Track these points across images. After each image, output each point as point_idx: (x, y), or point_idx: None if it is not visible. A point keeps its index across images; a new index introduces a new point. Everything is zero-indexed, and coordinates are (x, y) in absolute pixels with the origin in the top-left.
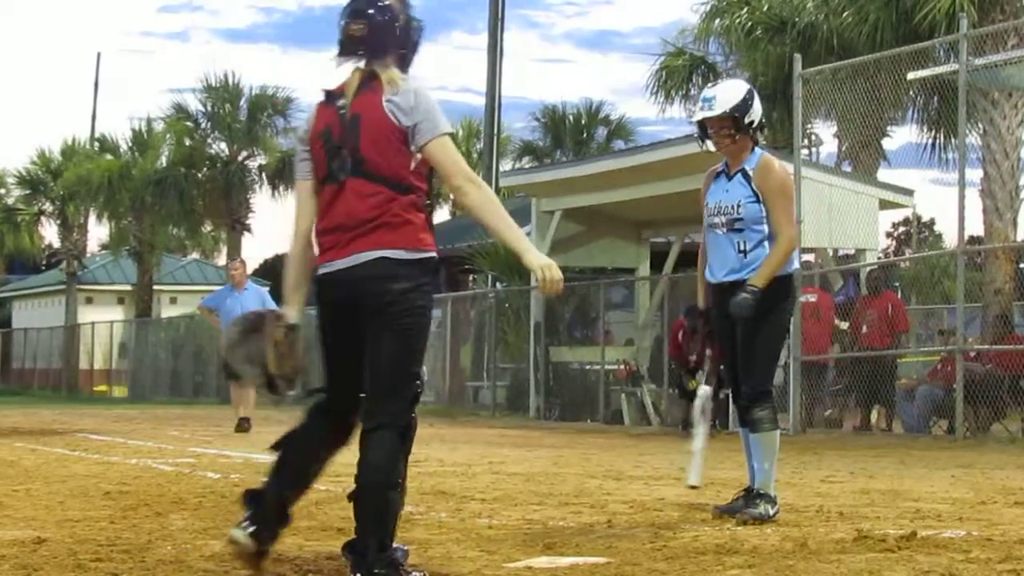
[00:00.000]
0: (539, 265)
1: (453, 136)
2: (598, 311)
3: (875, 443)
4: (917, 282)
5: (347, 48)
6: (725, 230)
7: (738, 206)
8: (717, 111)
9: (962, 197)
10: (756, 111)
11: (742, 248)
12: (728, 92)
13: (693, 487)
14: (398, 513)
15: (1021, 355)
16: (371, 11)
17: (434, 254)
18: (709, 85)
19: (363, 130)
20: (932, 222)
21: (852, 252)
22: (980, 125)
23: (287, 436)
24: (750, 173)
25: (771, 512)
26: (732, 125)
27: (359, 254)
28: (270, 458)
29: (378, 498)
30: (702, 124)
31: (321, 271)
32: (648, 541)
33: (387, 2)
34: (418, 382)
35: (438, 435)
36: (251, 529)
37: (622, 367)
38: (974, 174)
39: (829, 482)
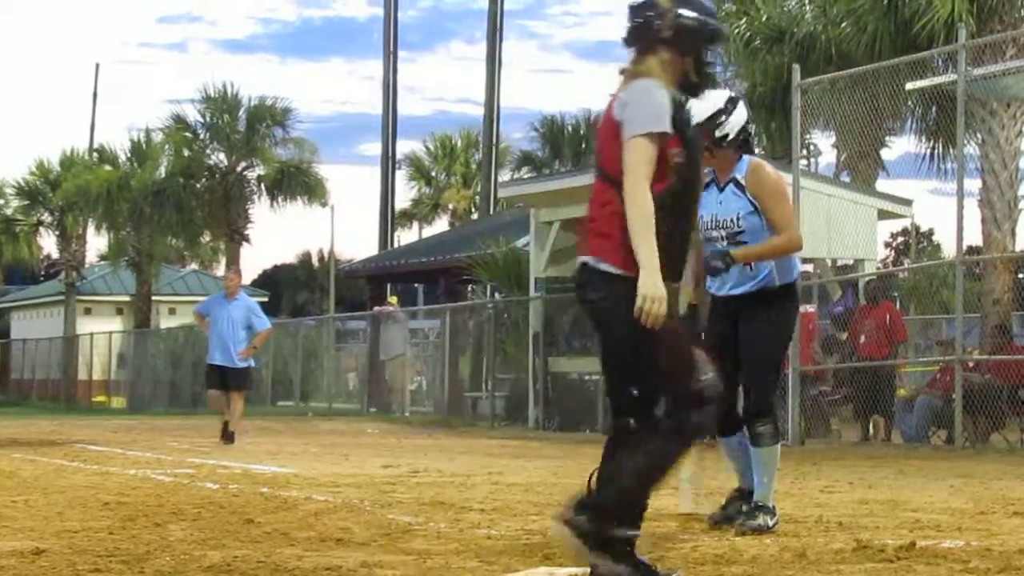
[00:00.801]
0: (644, 294)
1: (660, 136)
2: None
3: (874, 453)
4: (916, 292)
5: (624, 44)
6: (725, 243)
7: (738, 219)
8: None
9: (961, 207)
10: (734, 123)
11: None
12: (701, 105)
13: (688, 513)
14: (634, 515)
15: (1020, 365)
16: (640, 9)
17: (619, 272)
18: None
19: (601, 129)
20: (931, 232)
21: (851, 262)
22: (979, 135)
23: None
24: (742, 182)
25: (770, 523)
26: (706, 138)
27: (580, 258)
28: (280, 469)
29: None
30: None
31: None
32: (647, 551)
33: (657, 2)
34: (635, 389)
35: (437, 445)
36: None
37: None
38: (973, 184)
39: (828, 492)
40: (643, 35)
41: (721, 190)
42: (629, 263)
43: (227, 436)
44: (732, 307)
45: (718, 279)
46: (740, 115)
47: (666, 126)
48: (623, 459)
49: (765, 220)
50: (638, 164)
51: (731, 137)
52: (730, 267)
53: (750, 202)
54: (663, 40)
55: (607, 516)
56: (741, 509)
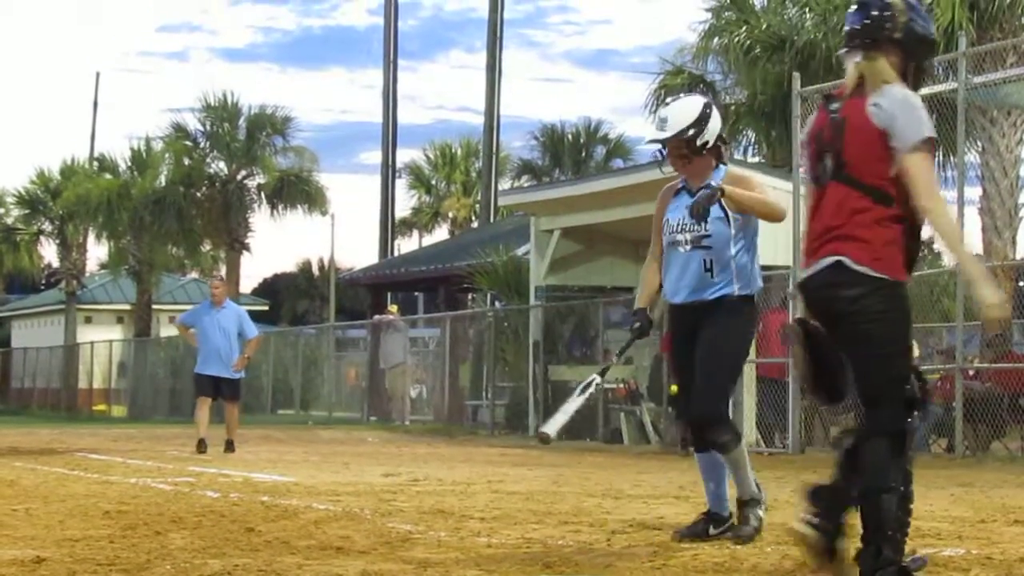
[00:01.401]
0: (988, 303)
1: (934, 142)
2: (597, 330)
3: None
4: (916, 301)
5: (848, 40)
6: (690, 247)
7: (705, 223)
8: (669, 133)
9: (961, 215)
10: (712, 130)
11: (708, 267)
12: (681, 112)
13: (544, 435)
14: (900, 520)
15: (1020, 373)
16: (871, 7)
17: (886, 278)
18: (666, 102)
19: (848, 133)
20: (931, 240)
21: None
22: (979, 143)
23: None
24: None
25: (760, 514)
26: (686, 146)
27: (821, 260)
28: (280, 478)
29: (871, 503)
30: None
31: (800, 275)
32: (647, 560)
33: (890, 1)
34: (908, 387)
35: (437, 454)
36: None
37: (621, 386)
38: (973, 192)
39: None
40: (874, 33)
41: (692, 195)
42: (882, 267)
43: (228, 446)
44: (690, 318)
45: (682, 288)
46: (716, 122)
47: (934, 132)
48: (866, 456)
49: (733, 233)
50: (929, 175)
51: (710, 144)
52: (715, 200)
53: (722, 209)
54: (893, 41)
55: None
56: (708, 530)
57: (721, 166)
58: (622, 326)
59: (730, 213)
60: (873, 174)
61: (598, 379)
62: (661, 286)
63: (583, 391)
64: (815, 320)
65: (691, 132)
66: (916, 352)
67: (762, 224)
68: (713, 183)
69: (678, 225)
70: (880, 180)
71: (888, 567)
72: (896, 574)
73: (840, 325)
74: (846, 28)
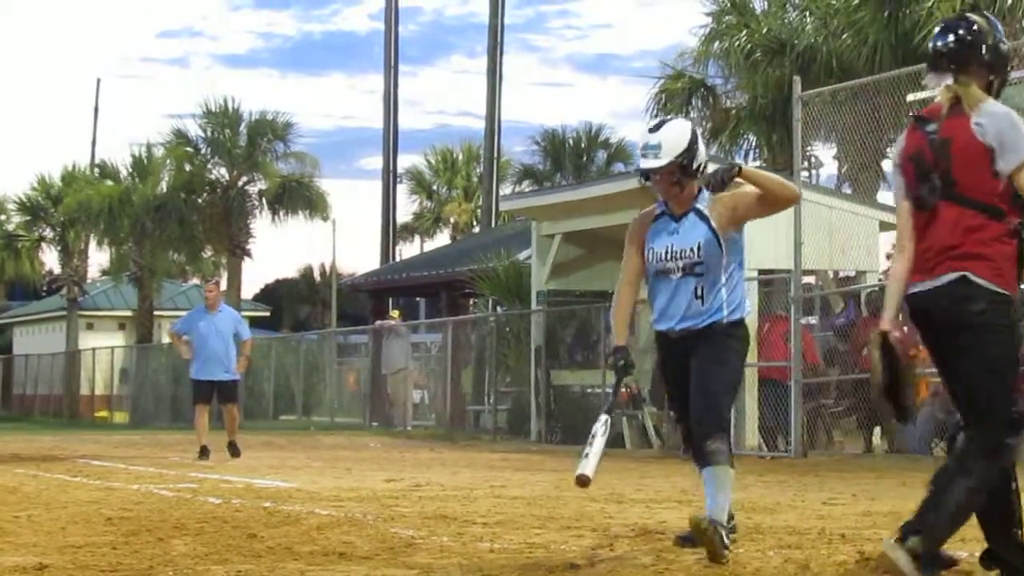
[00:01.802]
0: None
1: None
2: (599, 334)
3: (876, 465)
4: None
5: (935, 64)
6: (680, 274)
7: (698, 248)
8: (664, 160)
9: None
10: (703, 153)
11: (700, 294)
12: (673, 139)
13: (584, 477)
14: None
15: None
16: (959, 28)
17: (1007, 294)
18: (650, 128)
19: (954, 153)
20: None
21: (852, 274)
22: None
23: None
24: (705, 211)
25: (725, 537)
26: (679, 172)
27: (941, 276)
28: (282, 483)
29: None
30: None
31: (910, 290)
32: (650, 565)
33: (976, 21)
34: (1015, 406)
35: (439, 459)
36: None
37: (623, 390)
38: None
39: (831, 504)
40: (964, 55)
41: (678, 220)
42: (1003, 283)
43: (232, 449)
44: (682, 346)
45: (672, 317)
46: (701, 140)
47: None
48: (958, 480)
49: (725, 253)
50: None
51: (702, 168)
52: (733, 174)
53: (711, 231)
54: (984, 63)
55: (940, 539)
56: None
57: (704, 188)
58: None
59: (721, 235)
60: (984, 191)
61: (608, 418)
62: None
63: (604, 431)
64: (927, 333)
65: (684, 158)
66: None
67: (763, 229)
68: (699, 206)
69: (666, 253)
70: (991, 197)
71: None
72: (927, 557)
73: (961, 337)
74: (932, 48)
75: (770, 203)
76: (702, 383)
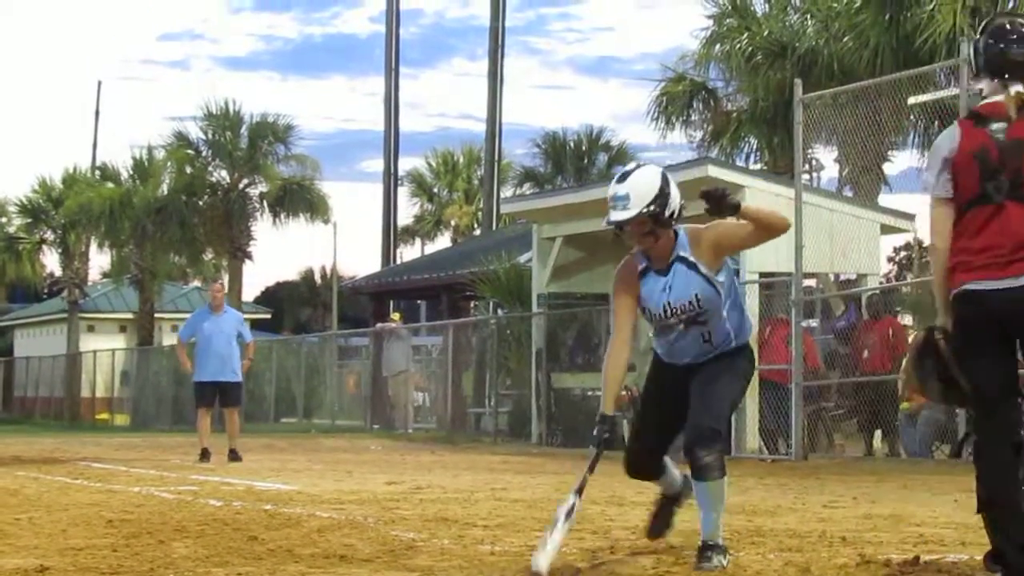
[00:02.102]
0: None
1: None
2: (600, 337)
3: (877, 468)
4: (919, 306)
5: (1012, 69)
6: (684, 327)
7: (696, 301)
8: (633, 211)
9: None
10: (675, 198)
11: (707, 338)
12: (641, 188)
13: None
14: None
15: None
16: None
17: None
18: (617, 178)
19: None
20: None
21: (853, 277)
22: None
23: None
24: (690, 259)
25: (724, 563)
26: (651, 222)
27: (1019, 277)
28: (283, 486)
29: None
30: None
31: (969, 287)
32: (651, 567)
33: None
34: None
35: (440, 462)
36: None
37: (624, 393)
38: None
39: (832, 507)
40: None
41: (665, 274)
42: None
43: (232, 455)
44: (685, 374)
45: (682, 358)
46: (676, 188)
47: None
48: None
49: (721, 294)
50: None
51: (677, 214)
52: (734, 210)
53: (703, 276)
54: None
55: None
56: (672, 513)
57: (679, 231)
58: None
59: (713, 278)
60: None
61: (577, 501)
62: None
63: (568, 517)
64: (988, 330)
65: (654, 208)
66: None
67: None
68: (683, 253)
69: (666, 312)
70: None
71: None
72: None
73: None
74: (1012, 56)
75: (763, 237)
76: (700, 396)
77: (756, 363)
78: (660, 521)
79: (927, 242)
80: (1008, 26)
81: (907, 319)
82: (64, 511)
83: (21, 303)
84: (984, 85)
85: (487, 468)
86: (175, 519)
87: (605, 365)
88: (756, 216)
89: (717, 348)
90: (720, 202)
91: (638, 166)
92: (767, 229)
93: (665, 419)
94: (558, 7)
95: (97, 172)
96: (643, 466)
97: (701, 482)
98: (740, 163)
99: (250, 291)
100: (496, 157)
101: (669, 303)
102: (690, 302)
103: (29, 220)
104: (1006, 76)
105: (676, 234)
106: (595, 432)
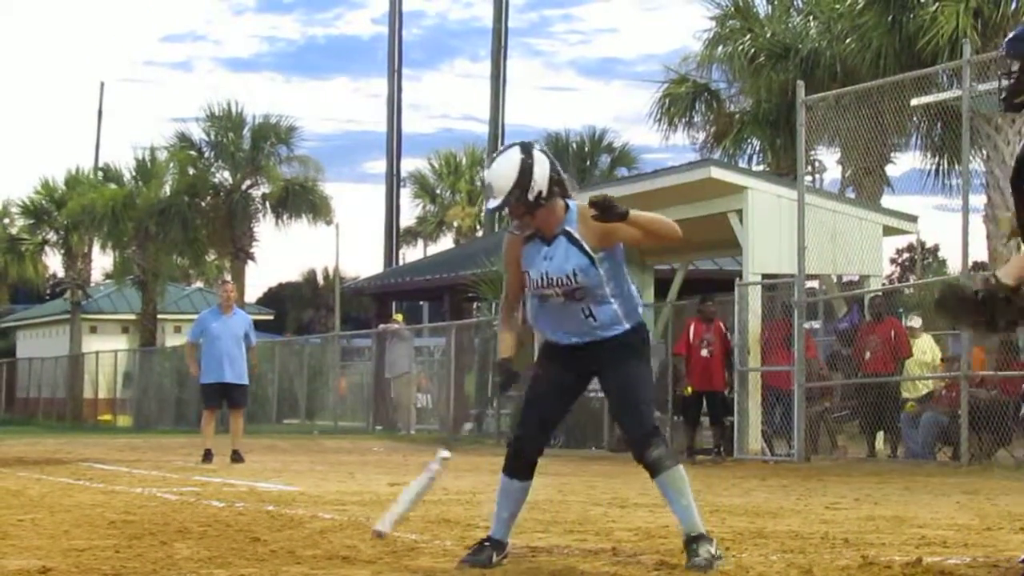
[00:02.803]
0: None
1: None
2: None
3: (879, 469)
4: (921, 308)
5: None
6: (563, 299)
7: (573, 275)
8: (498, 200)
9: (966, 223)
10: (539, 177)
11: (588, 313)
12: (501, 176)
13: (379, 534)
14: None
15: None
16: None
17: None
18: (486, 163)
19: None
20: (936, 248)
21: (856, 278)
22: (984, 151)
23: None
24: (575, 234)
25: (714, 551)
26: (521, 206)
27: None
28: (286, 487)
29: None
30: None
31: None
32: (653, 569)
33: None
34: None
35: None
36: None
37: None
38: (978, 200)
39: (834, 508)
40: None
41: (549, 244)
42: None
43: (235, 456)
44: (574, 356)
45: (565, 335)
46: (542, 166)
47: None
48: None
49: (602, 273)
50: None
51: (545, 192)
52: (621, 218)
53: (586, 253)
54: None
55: None
56: (492, 557)
57: (571, 205)
58: None
59: (593, 254)
60: None
61: (448, 454)
62: (524, 321)
63: (430, 477)
64: None
65: (516, 194)
66: (939, 355)
67: (765, 233)
68: (569, 228)
69: (543, 280)
70: None
71: None
72: None
73: None
74: None
75: (655, 241)
76: (625, 401)
77: (755, 350)
78: (477, 556)
79: (929, 244)
80: None
81: (915, 322)
82: (67, 512)
83: (24, 304)
84: None
85: (489, 470)
86: (177, 520)
87: (500, 322)
88: (644, 225)
89: (603, 328)
90: (606, 212)
91: (505, 148)
92: (655, 236)
93: (547, 413)
94: (561, 9)
95: (100, 173)
96: (526, 455)
97: (658, 476)
98: (743, 164)
99: (253, 292)
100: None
101: (546, 273)
102: (568, 276)
103: (32, 221)
104: None
105: (568, 207)
106: (499, 378)
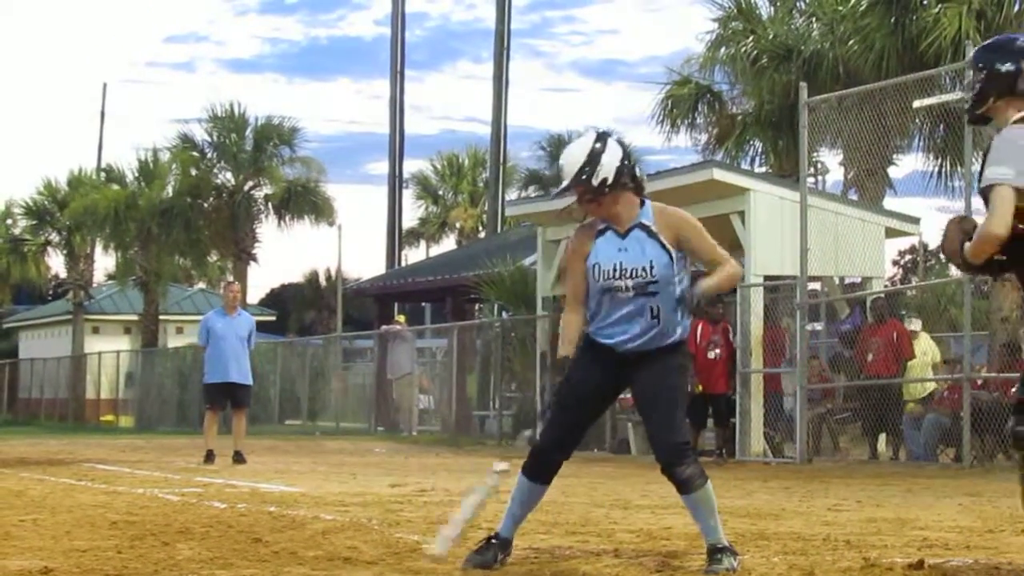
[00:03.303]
0: None
1: None
2: None
3: (881, 471)
4: (924, 310)
5: None
6: (632, 293)
7: (651, 267)
8: (565, 182)
9: None
10: (608, 165)
11: (656, 314)
12: (572, 158)
13: (436, 557)
14: None
15: None
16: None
17: None
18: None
19: None
20: (938, 250)
21: (858, 280)
22: None
23: None
24: (652, 227)
25: (735, 564)
26: (587, 190)
27: None
28: (287, 488)
29: None
30: None
31: None
32: (655, 570)
33: None
34: None
35: (444, 464)
36: None
37: (629, 395)
38: (980, 202)
39: (836, 510)
40: None
41: (623, 236)
42: None
43: (237, 457)
44: (622, 362)
45: (624, 334)
46: (612, 155)
47: None
48: None
49: (677, 270)
50: None
51: (611, 180)
52: (703, 296)
53: (664, 250)
54: None
55: None
56: (496, 557)
57: (646, 201)
58: None
59: (672, 251)
60: None
61: (505, 466)
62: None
63: (487, 490)
64: None
65: (584, 175)
66: (939, 357)
67: (767, 235)
68: (645, 221)
69: (615, 270)
70: None
71: None
72: None
73: None
74: None
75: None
76: (662, 413)
77: (757, 351)
78: (486, 555)
79: (932, 245)
80: None
81: (915, 324)
82: (68, 513)
83: (26, 305)
84: None
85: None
86: (179, 521)
87: (564, 321)
88: (718, 288)
89: (665, 334)
90: (698, 304)
91: (582, 136)
92: (728, 280)
93: (581, 420)
94: (563, 10)
95: (102, 174)
96: (552, 460)
97: (689, 495)
98: (745, 166)
99: (255, 293)
100: (501, 160)
101: (622, 263)
102: (644, 268)
103: (34, 222)
104: None
105: (642, 203)
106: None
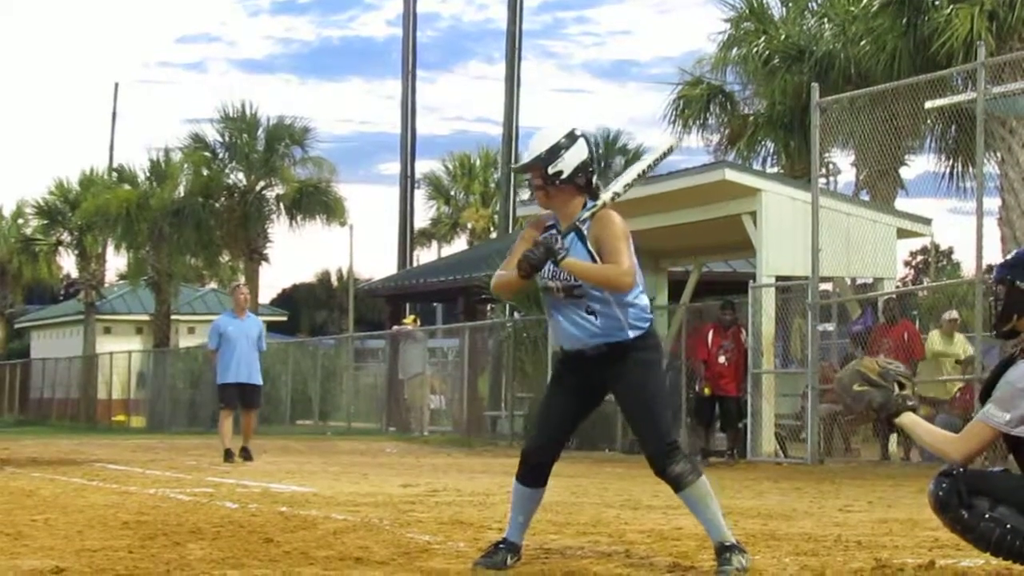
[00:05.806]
0: None
1: None
2: None
3: (893, 472)
4: (935, 311)
5: None
6: (563, 295)
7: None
8: (524, 160)
9: (980, 226)
10: (569, 160)
11: (591, 310)
12: (539, 138)
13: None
14: None
15: None
16: None
17: None
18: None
19: None
20: (950, 251)
21: (870, 281)
22: (998, 154)
23: None
24: (584, 231)
25: (744, 563)
26: (540, 175)
27: None
28: (299, 488)
29: None
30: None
31: None
32: (666, 571)
33: None
34: None
35: (456, 464)
36: None
37: None
38: (992, 203)
39: (847, 511)
40: None
41: (563, 237)
42: None
43: (245, 454)
44: (584, 365)
45: (566, 335)
46: (578, 153)
47: None
48: None
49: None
50: None
51: (565, 175)
52: (545, 260)
53: (589, 252)
54: None
55: None
56: (506, 560)
57: (588, 202)
58: None
59: (597, 259)
60: None
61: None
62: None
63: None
64: None
65: (540, 161)
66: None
67: (779, 236)
68: (579, 224)
69: (548, 271)
70: None
71: None
72: None
73: None
74: None
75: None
76: (639, 414)
77: (768, 353)
78: (492, 558)
79: (943, 247)
80: None
81: (952, 314)
82: (80, 512)
83: (38, 304)
84: None
85: (503, 471)
86: (191, 521)
87: (497, 273)
88: (578, 273)
89: (607, 334)
90: (534, 267)
91: (560, 125)
92: (598, 273)
93: (559, 423)
94: (575, 11)
95: (114, 174)
96: (537, 464)
97: (682, 492)
98: (757, 167)
99: (267, 293)
100: (513, 160)
101: (551, 265)
102: (568, 272)
103: (46, 222)
104: None
105: (585, 204)
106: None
